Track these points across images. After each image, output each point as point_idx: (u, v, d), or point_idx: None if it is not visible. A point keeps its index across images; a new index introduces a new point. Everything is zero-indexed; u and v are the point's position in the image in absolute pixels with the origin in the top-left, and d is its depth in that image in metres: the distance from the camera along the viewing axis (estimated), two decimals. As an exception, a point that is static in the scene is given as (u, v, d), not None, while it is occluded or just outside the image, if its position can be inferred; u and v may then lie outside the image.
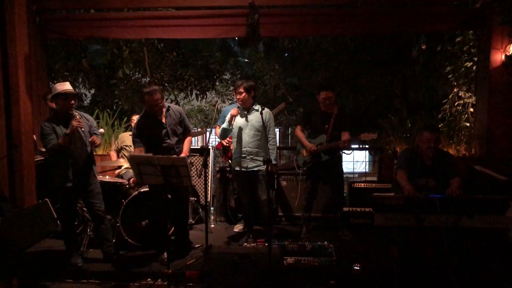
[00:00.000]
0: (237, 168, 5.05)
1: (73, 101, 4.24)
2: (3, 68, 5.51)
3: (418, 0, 6.13)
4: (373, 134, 4.98)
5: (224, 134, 5.15)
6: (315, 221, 5.73)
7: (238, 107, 5.05)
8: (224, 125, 5.02)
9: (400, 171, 4.36)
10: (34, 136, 5.73)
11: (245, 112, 5.00)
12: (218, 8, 6.13)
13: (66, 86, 4.24)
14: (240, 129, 5.00)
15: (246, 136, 4.96)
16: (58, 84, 4.27)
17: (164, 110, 4.54)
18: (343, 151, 5.24)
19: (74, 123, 4.11)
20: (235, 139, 5.05)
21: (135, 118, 5.51)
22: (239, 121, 5.03)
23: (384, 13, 6.17)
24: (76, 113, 4.19)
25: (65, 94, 4.19)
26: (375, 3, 6.29)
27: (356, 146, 5.48)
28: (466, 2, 5.95)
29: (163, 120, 4.53)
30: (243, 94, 4.89)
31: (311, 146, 5.14)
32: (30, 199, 5.65)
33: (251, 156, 4.95)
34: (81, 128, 4.20)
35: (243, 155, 4.97)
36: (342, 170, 5.43)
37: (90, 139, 4.30)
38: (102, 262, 4.46)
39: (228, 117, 4.95)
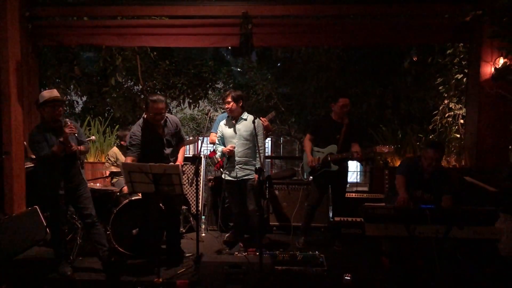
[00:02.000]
0: (227, 178, 5.07)
1: (61, 108, 4.21)
2: (-6, 74, 5.49)
3: (410, 13, 6.20)
4: (389, 147, 5.00)
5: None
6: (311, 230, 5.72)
7: (228, 117, 5.14)
8: (217, 155, 5.16)
9: (399, 176, 4.40)
10: (25, 143, 5.68)
11: (233, 122, 5.04)
12: (212, 17, 6.14)
13: (54, 93, 4.20)
14: (229, 139, 5.03)
15: (235, 146, 4.99)
16: (45, 91, 4.22)
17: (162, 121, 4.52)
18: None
19: (67, 130, 4.07)
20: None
21: None
22: (227, 131, 5.08)
23: (376, 25, 6.25)
24: (67, 120, 4.16)
25: (53, 101, 4.14)
26: (367, 15, 6.37)
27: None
28: (457, 15, 6.03)
29: (160, 131, 4.52)
30: (231, 104, 4.96)
31: (312, 161, 5.10)
32: (20, 206, 5.60)
33: (240, 165, 4.98)
34: (74, 134, 4.17)
35: (233, 164, 4.99)
36: (347, 180, 5.44)
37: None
38: (91, 271, 4.42)
39: (223, 149, 5.01)
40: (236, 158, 4.98)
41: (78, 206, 4.41)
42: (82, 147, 4.38)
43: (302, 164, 5.48)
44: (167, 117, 4.57)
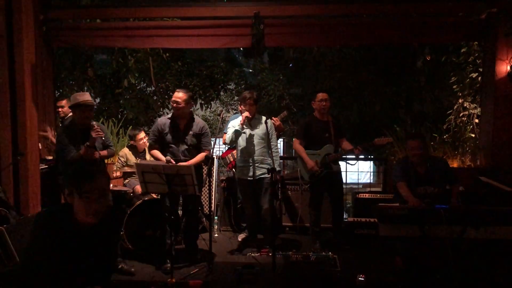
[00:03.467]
0: (242, 177, 5.06)
1: (91, 113, 4.25)
2: (10, 76, 5.56)
3: (424, 11, 6.14)
4: (388, 138, 4.99)
5: (236, 135, 5.01)
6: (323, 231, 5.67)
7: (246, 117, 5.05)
8: (237, 127, 4.96)
9: (400, 183, 4.34)
10: (40, 145, 5.74)
11: (250, 122, 5.04)
12: (224, 18, 6.15)
13: (86, 97, 4.25)
14: (245, 138, 5.02)
15: (251, 145, 4.98)
16: (78, 94, 4.28)
17: (186, 118, 4.63)
18: (348, 161, 5.22)
19: (94, 134, 4.10)
20: (240, 148, 5.06)
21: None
22: (244, 130, 5.05)
23: (389, 24, 6.20)
24: (94, 123, 4.19)
25: (85, 105, 4.19)
26: (380, 14, 6.32)
27: (362, 156, 5.44)
28: (471, 13, 5.95)
29: (181, 126, 4.60)
30: (254, 107, 4.96)
31: (313, 166, 5.03)
32: (35, 207, 5.66)
33: (257, 164, 4.96)
34: (101, 137, 4.19)
35: (248, 164, 4.98)
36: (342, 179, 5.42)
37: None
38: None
39: (241, 120, 4.94)
40: (254, 157, 4.97)
41: None
42: (105, 152, 4.43)
43: (298, 169, 5.35)
44: (195, 118, 4.71)
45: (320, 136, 5.13)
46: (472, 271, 4.00)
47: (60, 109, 5.95)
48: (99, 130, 4.16)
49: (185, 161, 4.62)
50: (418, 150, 4.25)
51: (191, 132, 4.63)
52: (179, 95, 4.56)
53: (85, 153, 4.11)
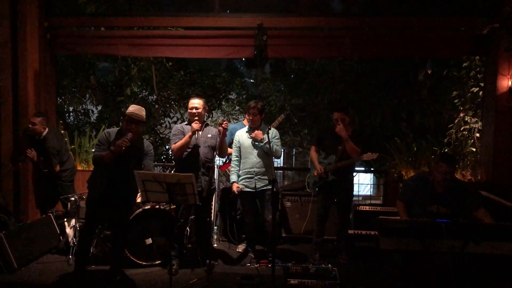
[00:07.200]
0: (244, 189, 5.05)
1: (133, 126, 4.23)
2: (13, 82, 5.58)
3: (426, 25, 6.18)
4: (374, 154, 4.96)
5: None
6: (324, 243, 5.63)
7: (250, 127, 5.09)
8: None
9: (399, 202, 4.29)
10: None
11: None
12: (227, 28, 6.19)
13: (137, 110, 4.27)
14: (248, 149, 5.02)
15: (254, 157, 4.98)
16: (133, 105, 4.33)
17: (202, 122, 4.84)
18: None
19: (118, 141, 4.10)
20: (242, 159, 5.07)
21: None
22: (247, 141, 5.05)
23: (391, 37, 6.24)
24: (130, 134, 4.14)
25: (129, 117, 4.23)
26: (382, 27, 6.36)
27: (362, 168, 5.41)
28: (473, 28, 5.99)
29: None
30: (257, 116, 4.97)
31: (319, 168, 5.09)
32: (34, 214, 5.66)
33: (259, 176, 4.95)
34: (123, 147, 4.15)
35: (250, 175, 4.97)
36: (352, 193, 5.29)
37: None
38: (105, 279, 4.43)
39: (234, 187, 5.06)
40: (255, 169, 4.97)
41: (115, 215, 4.41)
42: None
43: (307, 176, 5.43)
44: (208, 124, 4.94)
45: (330, 146, 5.12)
46: (473, 286, 3.98)
47: (30, 126, 5.49)
48: (126, 139, 4.12)
49: (206, 162, 4.74)
50: (449, 175, 4.02)
51: (209, 135, 4.79)
52: (197, 101, 4.78)
53: (107, 156, 4.12)
